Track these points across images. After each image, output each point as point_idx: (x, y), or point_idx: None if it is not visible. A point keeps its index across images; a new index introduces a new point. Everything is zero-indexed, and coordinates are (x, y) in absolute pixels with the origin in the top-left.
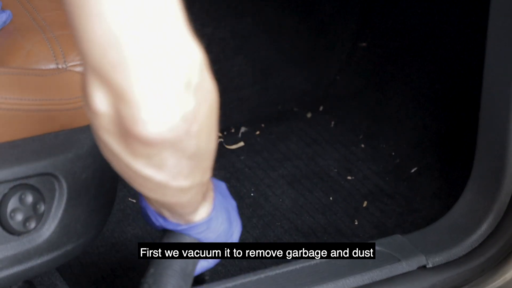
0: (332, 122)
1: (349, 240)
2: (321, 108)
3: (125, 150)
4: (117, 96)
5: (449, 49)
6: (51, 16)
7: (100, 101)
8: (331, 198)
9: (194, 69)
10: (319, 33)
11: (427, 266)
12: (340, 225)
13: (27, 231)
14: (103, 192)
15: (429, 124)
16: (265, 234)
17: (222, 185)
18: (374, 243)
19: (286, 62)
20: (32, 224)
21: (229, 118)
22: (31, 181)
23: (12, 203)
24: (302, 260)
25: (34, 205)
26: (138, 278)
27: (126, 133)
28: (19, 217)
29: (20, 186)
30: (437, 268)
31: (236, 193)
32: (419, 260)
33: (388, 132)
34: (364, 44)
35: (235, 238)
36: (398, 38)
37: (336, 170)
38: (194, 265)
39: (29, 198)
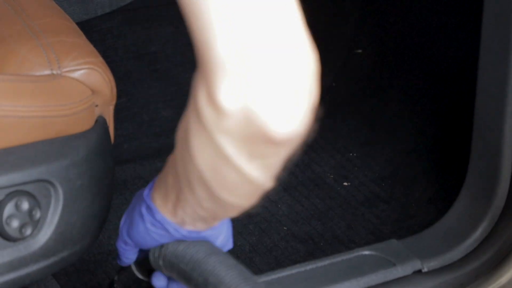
0: (328, 129)
1: (345, 246)
2: (317, 115)
3: (241, 152)
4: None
5: (444, 55)
6: (45, 23)
7: (229, 100)
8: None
9: (314, 70)
10: (315, 40)
11: (423, 271)
12: (336, 231)
13: (23, 238)
14: (99, 199)
15: (424, 130)
16: (262, 240)
17: None
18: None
19: None
20: (28, 231)
21: None
22: (27, 188)
23: (8, 210)
24: (297, 265)
25: (30, 212)
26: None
27: (255, 133)
28: (15, 223)
29: (16, 192)
30: (432, 272)
31: None
32: (415, 265)
33: (383, 138)
34: (359, 50)
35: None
36: (393, 44)
37: (332, 176)
38: None
39: (25, 205)
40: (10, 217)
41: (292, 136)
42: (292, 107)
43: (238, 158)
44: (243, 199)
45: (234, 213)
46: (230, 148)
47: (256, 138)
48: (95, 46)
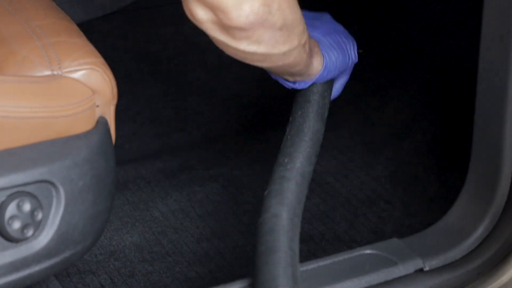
0: (330, 129)
1: (347, 245)
2: None
3: (229, 38)
4: (213, 8)
5: (445, 55)
6: (46, 24)
7: (202, 14)
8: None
9: None
10: None
11: (424, 269)
12: (338, 231)
13: (25, 238)
14: (100, 199)
15: (425, 129)
16: None
17: (325, 16)
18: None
19: None
20: (30, 231)
21: (227, 126)
22: (28, 189)
23: (10, 211)
24: (299, 265)
25: (32, 212)
26: (137, 286)
27: (226, 27)
28: (17, 224)
29: (17, 193)
30: (434, 271)
31: (234, 200)
32: (416, 263)
33: (384, 138)
34: (361, 51)
35: (353, 57)
36: (395, 44)
37: (333, 176)
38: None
39: (27, 206)
40: (12, 218)
41: (251, 22)
42: (245, 7)
43: (230, 42)
44: (267, 63)
45: (283, 61)
46: (221, 37)
47: (229, 29)
48: (95, 46)
